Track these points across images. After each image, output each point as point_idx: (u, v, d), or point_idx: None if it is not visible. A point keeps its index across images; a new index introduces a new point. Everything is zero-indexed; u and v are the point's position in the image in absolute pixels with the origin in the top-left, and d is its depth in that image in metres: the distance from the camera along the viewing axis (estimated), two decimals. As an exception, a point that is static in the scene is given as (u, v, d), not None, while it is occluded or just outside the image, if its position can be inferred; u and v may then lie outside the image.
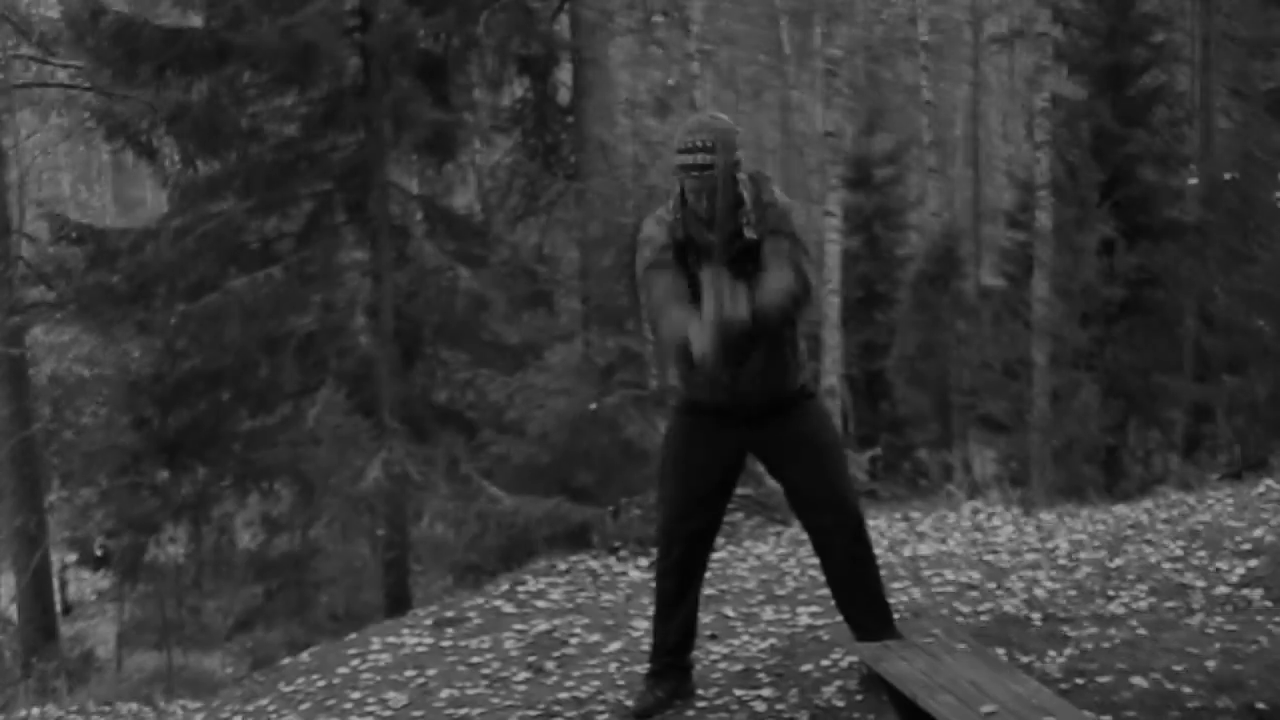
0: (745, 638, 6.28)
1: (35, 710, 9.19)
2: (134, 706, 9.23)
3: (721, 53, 35.29)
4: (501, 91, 15.03)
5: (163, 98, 13.37)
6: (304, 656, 7.80)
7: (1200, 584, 6.55)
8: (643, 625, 6.53)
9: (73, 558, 19.65)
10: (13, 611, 17.74)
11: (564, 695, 5.75)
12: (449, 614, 7.69)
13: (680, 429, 5.15)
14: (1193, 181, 22.10)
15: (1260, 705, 4.84)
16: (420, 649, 7.08)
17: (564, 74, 14.97)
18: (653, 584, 5.45)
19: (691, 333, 4.75)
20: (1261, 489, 8.77)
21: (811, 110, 34.12)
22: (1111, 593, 6.52)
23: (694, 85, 22.00)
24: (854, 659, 5.47)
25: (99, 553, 16.71)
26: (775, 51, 33.74)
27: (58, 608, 19.49)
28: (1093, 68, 22.15)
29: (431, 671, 6.54)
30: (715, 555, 8.19)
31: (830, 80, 18.26)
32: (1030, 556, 7.51)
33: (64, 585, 22.60)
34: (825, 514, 5.07)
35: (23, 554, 17.06)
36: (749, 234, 4.82)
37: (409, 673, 6.60)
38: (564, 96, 14.93)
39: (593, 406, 10.64)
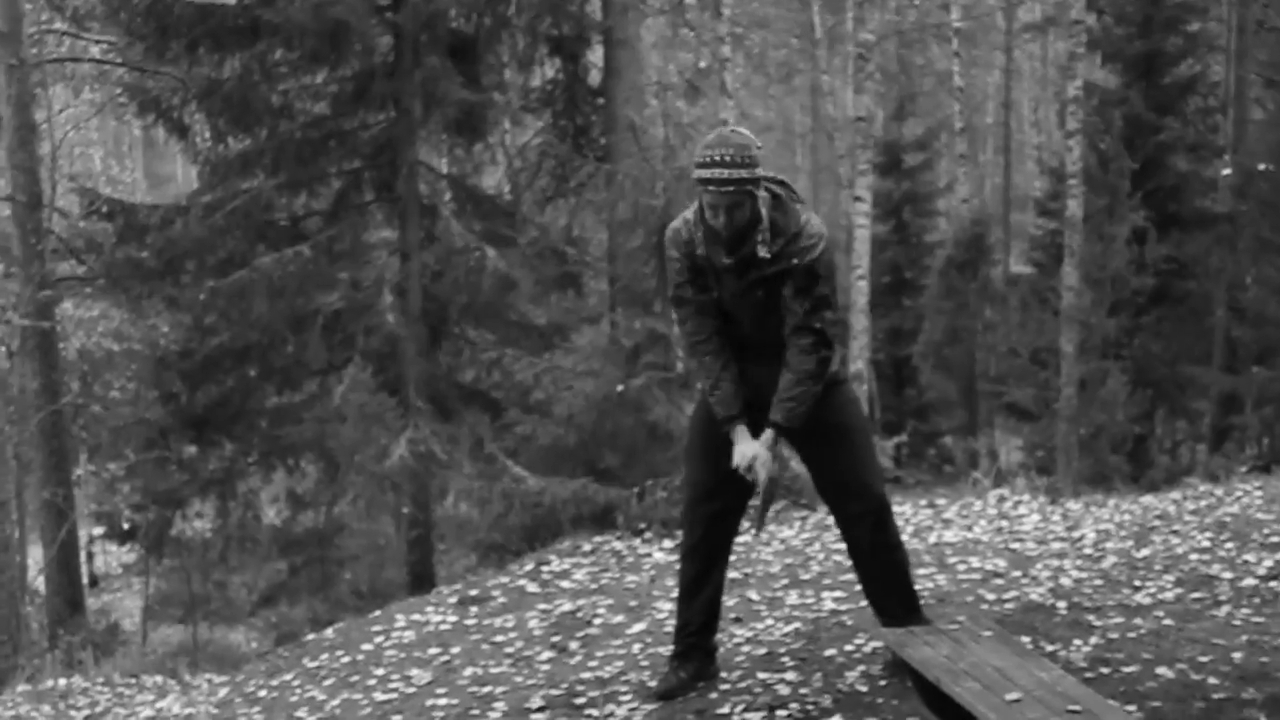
0: (769, 621, 6.28)
1: (62, 681, 9.27)
2: (159, 679, 9.30)
3: (753, 36, 35.16)
4: (532, 72, 14.99)
5: (194, 74, 13.39)
6: (328, 632, 7.85)
7: (1227, 575, 6.52)
8: (666, 607, 6.54)
9: (99, 531, 19.76)
10: (40, 583, 17.86)
11: (587, 675, 5.76)
12: (473, 593, 7.73)
13: (706, 411, 5.15)
14: (1225, 171, 21.97)
15: (1286, 697, 4.81)
16: (444, 627, 7.11)
17: (595, 55, 14.93)
18: (677, 566, 5.45)
19: (736, 446, 4.95)
20: (1290, 481, 8.73)
21: (842, 95, 33.98)
22: (1138, 583, 6.50)
23: (724, 68, 21.93)
24: (878, 644, 5.47)
25: (125, 526, 16.78)
26: (807, 35, 33.59)
27: (84, 580, 19.62)
28: (1126, 56, 22.01)
29: (455, 649, 6.57)
30: (740, 539, 8.21)
31: (861, 65, 18.17)
32: (1056, 545, 7.49)
33: (91, 558, 22.77)
34: (850, 500, 5.07)
35: (50, 527, 17.17)
36: (762, 252, 4.80)
37: (433, 650, 6.63)
38: (594, 78, 14.88)
39: (619, 388, 10.62)
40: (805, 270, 4.82)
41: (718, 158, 4.70)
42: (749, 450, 4.93)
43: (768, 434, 4.93)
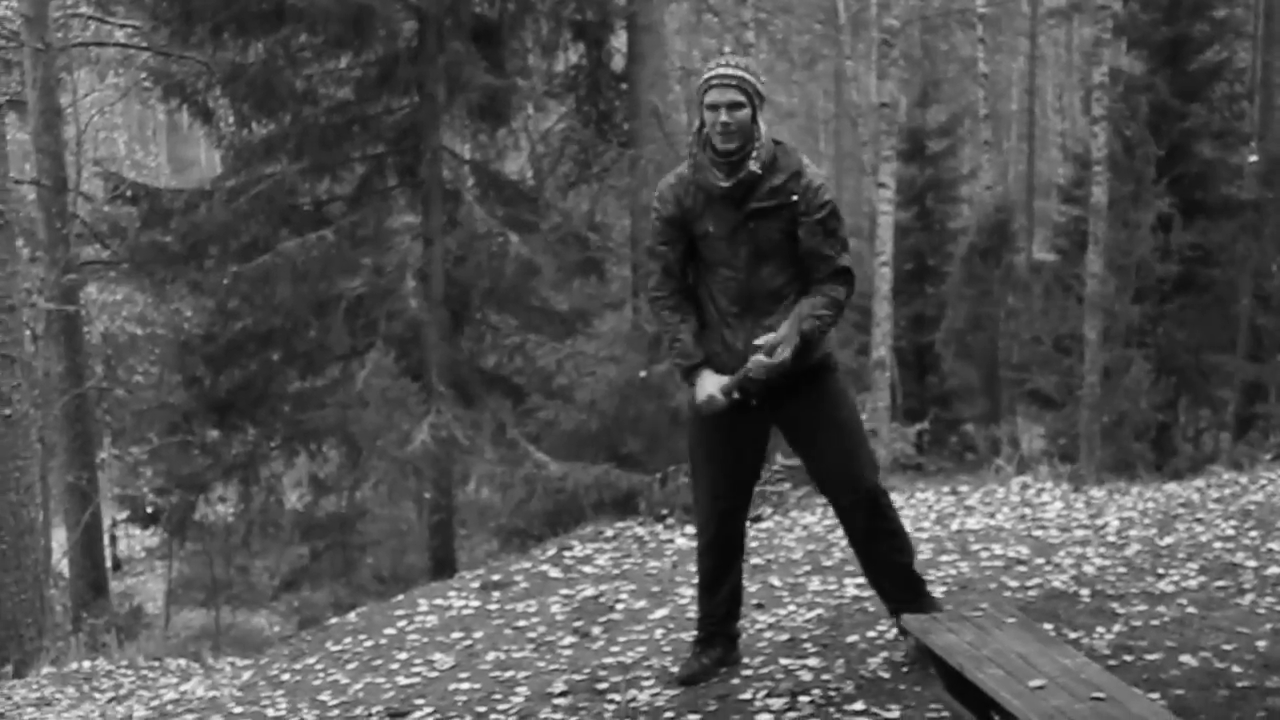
0: (792, 607, 6.27)
1: (86, 663, 9.29)
2: (182, 662, 9.32)
3: (776, 21, 35.12)
4: (555, 57, 14.99)
5: (219, 58, 13.42)
6: (351, 616, 7.87)
7: (1251, 564, 6.49)
8: (689, 592, 6.54)
9: (123, 515, 19.86)
10: (64, 566, 17.96)
11: (609, 660, 5.76)
12: (496, 577, 7.74)
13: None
14: (1252, 159, 21.85)
15: (1311, 686, 4.79)
16: (467, 612, 7.12)
17: (618, 40, 14.92)
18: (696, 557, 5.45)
19: (699, 386, 4.92)
20: (1315, 470, 8.69)
21: (866, 81, 33.93)
22: (1161, 571, 6.47)
23: (748, 54, 21.86)
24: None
25: (149, 510, 16.86)
26: (830, 21, 33.50)
27: (108, 564, 19.72)
28: (1152, 42, 21.89)
29: (478, 634, 6.58)
30: (762, 525, 8.22)
31: (885, 51, 18.13)
32: (1079, 533, 7.47)
33: (114, 542, 22.88)
34: (842, 492, 5.05)
35: (74, 510, 17.25)
36: (754, 167, 4.81)
37: (455, 635, 6.64)
38: (618, 63, 14.88)
39: (642, 374, 10.63)
40: (830, 213, 4.86)
41: (723, 61, 4.90)
42: (709, 387, 4.90)
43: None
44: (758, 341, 4.83)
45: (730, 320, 4.95)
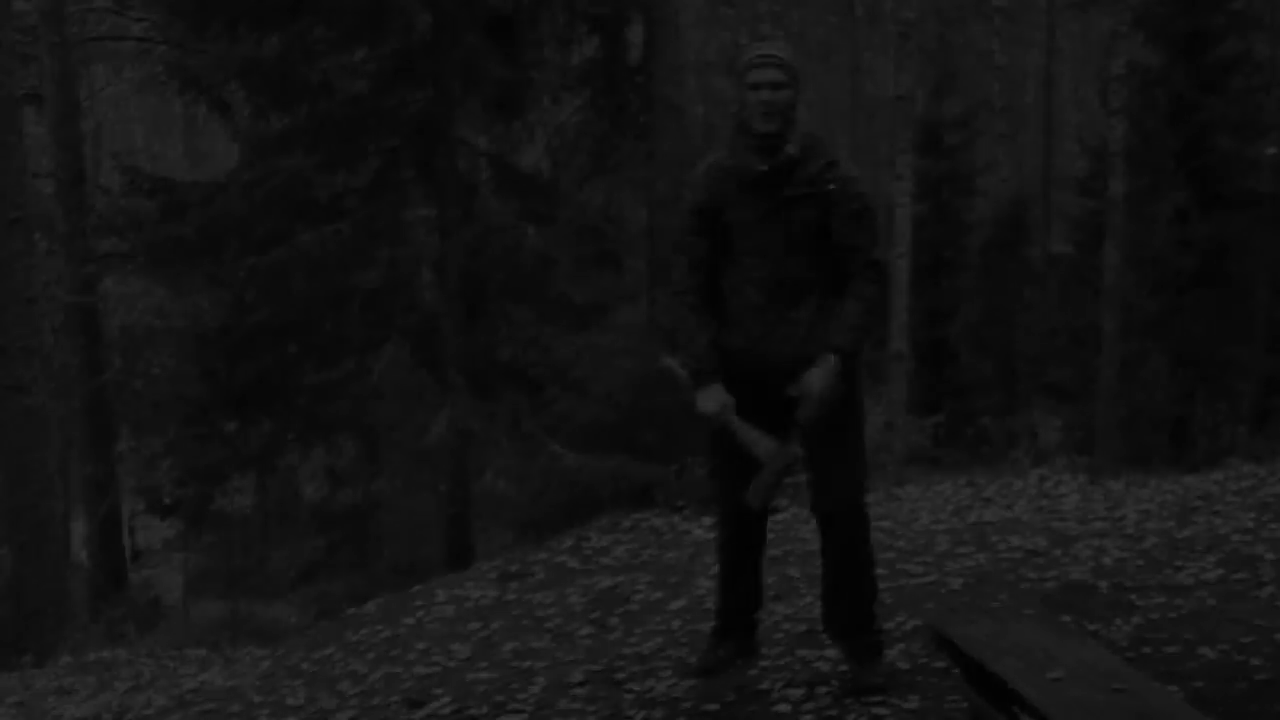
0: (809, 599, 6.27)
1: (105, 653, 9.35)
2: (202, 652, 9.37)
3: (792, 14, 35.02)
4: (571, 50, 14.98)
5: (234, 52, 13.43)
6: (369, 607, 7.89)
7: (1270, 556, 6.48)
8: (706, 583, 6.55)
9: (141, 506, 19.91)
10: (83, 557, 18.03)
11: (627, 651, 5.77)
12: (513, 568, 7.77)
13: None
14: (1270, 151, 21.77)
15: (1330, 678, 4.78)
16: (484, 602, 7.14)
17: (634, 33, 14.91)
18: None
19: (704, 396, 4.81)
20: (1334, 462, 8.66)
21: (882, 73, 33.82)
22: (1180, 563, 6.47)
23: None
24: (918, 621, 5.46)
25: (167, 502, 16.90)
26: (846, 13, 33.46)
27: (127, 554, 19.80)
28: (1170, 34, 21.81)
29: (496, 624, 6.60)
30: (780, 516, 8.21)
31: (902, 43, 18.07)
32: (1097, 525, 7.47)
33: (133, 533, 22.94)
34: (832, 496, 4.92)
35: (93, 501, 17.34)
36: (792, 151, 4.75)
37: (473, 625, 6.66)
38: (634, 56, 14.87)
39: (660, 365, 10.63)
40: (864, 205, 4.82)
41: (767, 46, 4.91)
42: (712, 403, 4.79)
43: (830, 360, 4.70)
44: (792, 392, 4.71)
45: (758, 312, 4.86)
